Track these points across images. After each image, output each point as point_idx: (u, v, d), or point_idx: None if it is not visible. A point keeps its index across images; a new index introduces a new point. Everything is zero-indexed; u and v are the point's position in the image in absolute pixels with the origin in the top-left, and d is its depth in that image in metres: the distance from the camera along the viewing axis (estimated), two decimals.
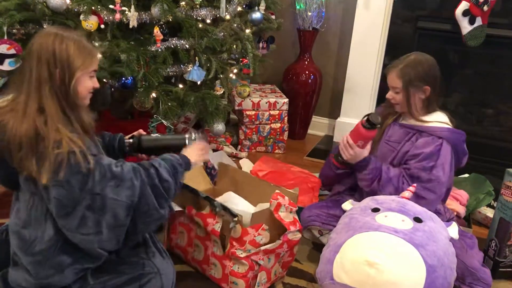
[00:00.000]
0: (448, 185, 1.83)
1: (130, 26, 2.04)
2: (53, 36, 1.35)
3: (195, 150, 1.59)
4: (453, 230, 1.59)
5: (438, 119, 1.84)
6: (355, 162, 1.81)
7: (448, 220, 1.88)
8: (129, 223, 1.39)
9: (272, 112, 3.04)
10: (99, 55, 1.98)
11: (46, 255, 1.38)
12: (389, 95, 1.88)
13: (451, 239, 1.56)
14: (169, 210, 1.48)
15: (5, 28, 1.94)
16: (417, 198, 1.73)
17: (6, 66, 1.95)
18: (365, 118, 1.74)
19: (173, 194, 1.47)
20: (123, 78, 2.05)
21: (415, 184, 1.75)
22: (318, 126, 3.51)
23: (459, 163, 1.87)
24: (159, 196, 1.42)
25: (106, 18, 2.03)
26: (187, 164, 1.55)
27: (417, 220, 1.54)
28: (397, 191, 1.74)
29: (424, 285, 1.40)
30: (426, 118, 1.84)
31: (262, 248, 1.63)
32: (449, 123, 1.85)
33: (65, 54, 1.34)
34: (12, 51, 1.94)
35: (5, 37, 1.95)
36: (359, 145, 1.77)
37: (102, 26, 2.02)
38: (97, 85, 1.47)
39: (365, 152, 1.80)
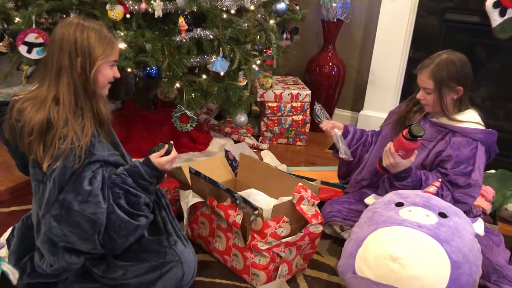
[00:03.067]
0: None
1: (156, 16, 2.05)
2: (75, 26, 1.38)
3: (168, 161, 1.54)
4: (479, 226, 1.56)
5: (472, 119, 1.80)
6: (395, 171, 1.74)
7: (474, 218, 1.86)
8: (105, 237, 1.40)
9: (294, 104, 3.02)
10: (124, 45, 2.00)
11: (52, 243, 1.42)
12: (420, 95, 1.82)
13: (477, 236, 1.53)
14: (145, 218, 1.47)
15: (33, 17, 1.97)
16: (456, 203, 1.71)
17: (34, 54, 1.98)
18: (407, 129, 1.66)
19: (142, 206, 1.46)
20: (148, 68, 2.06)
21: (440, 179, 1.73)
22: (340, 118, 3.48)
23: (489, 160, 1.84)
24: (127, 212, 1.42)
25: (131, 7, 2.04)
26: (159, 177, 1.54)
27: (442, 215, 1.51)
28: None
29: (449, 281, 1.38)
30: (459, 117, 1.80)
31: (284, 240, 1.62)
32: (481, 122, 1.81)
33: (86, 43, 1.37)
34: (40, 40, 1.97)
35: (34, 26, 1.98)
36: (400, 154, 1.70)
37: (128, 15, 2.04)
38: (117, 74, 1.49)
39: (406, 162, 1.71)
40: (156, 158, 1.51)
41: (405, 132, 1.65)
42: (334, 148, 2.11)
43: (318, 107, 2.05)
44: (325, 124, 2.01)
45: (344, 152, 1.96)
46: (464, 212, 1.63)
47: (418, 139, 1.64)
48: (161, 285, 1.49)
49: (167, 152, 1.53)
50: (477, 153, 1.74)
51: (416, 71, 1.84)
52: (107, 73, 1.45)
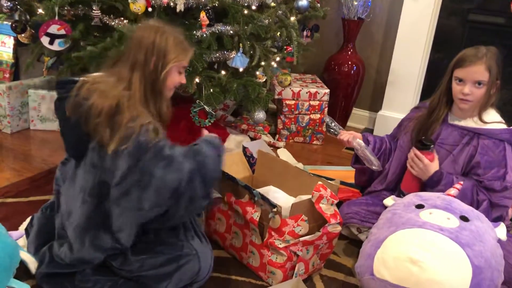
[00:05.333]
0: None
1: (177, 10, 2.05)
2: (156, 28, 1.47)
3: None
4: (501, 231, 1.53)
5: (495, 119, 1.77)
6: (426, 177, 1.74)
7: (496, 222, 1.82)
8: (172, 207, 1.41)
9: (312, 103, 3.00)
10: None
11: (85, 231, 1.43)
12: (468, 90, 1.71)
13: (499, 241, 1.51)
14: (209, 200, 1.49)
15: (56, 9, 1.98)
16: (494, 207, 1.71)
17: (56, 46, 2.00)
18: (418, 141, 1.75)
19: (216, 182, 1.51)
20: None
21: (461, 182, 1.70)
22: (358, 118, 3.45)
23: None
24: (205, 184, 1.43)
25: (153, 1, 2.04)
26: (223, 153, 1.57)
27: (464, 218, 1.49)
28: (473, 204, 1.69)
29: (470, 286, 1.36)
30: (484, 118, 1.77)
31: (301, 239, 1.61)
32: (503, 120, 1.79)
33: (163, 45, 1.45)
34: (62, 32, 1.98)
35: (56, 18, 1.99)
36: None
37: (150, 9, 2.03)
38: (184, 81, 1.56)
39: (435, 165, 1.73)
40: None
41: (417, 144, 1.77)
42: (353, 157, 2.08)
43: (329, 119, 2.04)
44: (345, 135, 1.97)
45: (377, 165, 1.92)
46: (500, 216, 1.62)
47: (429, 148, 1.72)
48: (177, 278, 1.49)
49: None
50: (506, 154, 1.72)
51: (464, 63, 1.72)
52: (175, 77, 1.51)
